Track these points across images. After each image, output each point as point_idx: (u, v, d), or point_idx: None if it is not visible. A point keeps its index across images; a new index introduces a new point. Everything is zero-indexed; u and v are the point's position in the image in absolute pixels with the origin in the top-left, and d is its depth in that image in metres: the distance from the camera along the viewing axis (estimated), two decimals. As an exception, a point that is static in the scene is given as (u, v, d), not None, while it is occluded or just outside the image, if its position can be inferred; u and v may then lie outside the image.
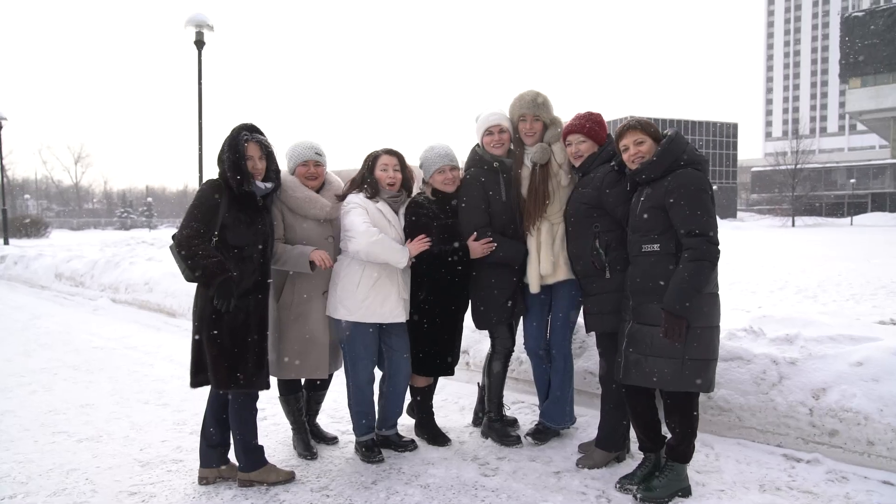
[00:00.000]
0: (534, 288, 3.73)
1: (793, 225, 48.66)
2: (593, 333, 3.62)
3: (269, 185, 3.37)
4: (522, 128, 3.76)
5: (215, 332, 3.20)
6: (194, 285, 3.27)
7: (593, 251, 3.43)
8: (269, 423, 4.45)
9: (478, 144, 3.91)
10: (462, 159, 3.97)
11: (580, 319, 3.78)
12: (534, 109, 3.71)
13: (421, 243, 3.59)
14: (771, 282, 10.77)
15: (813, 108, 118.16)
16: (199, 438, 3.50)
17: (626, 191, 3.33)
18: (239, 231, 3.23)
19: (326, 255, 3.53)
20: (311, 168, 3.69)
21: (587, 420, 4.07)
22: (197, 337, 3.26)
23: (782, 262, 14.81)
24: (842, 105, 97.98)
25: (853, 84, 60.65)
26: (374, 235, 3.48)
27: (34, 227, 33.50)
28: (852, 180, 58.20)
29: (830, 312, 6.00)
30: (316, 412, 4.14)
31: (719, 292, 3.09)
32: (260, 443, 3.48)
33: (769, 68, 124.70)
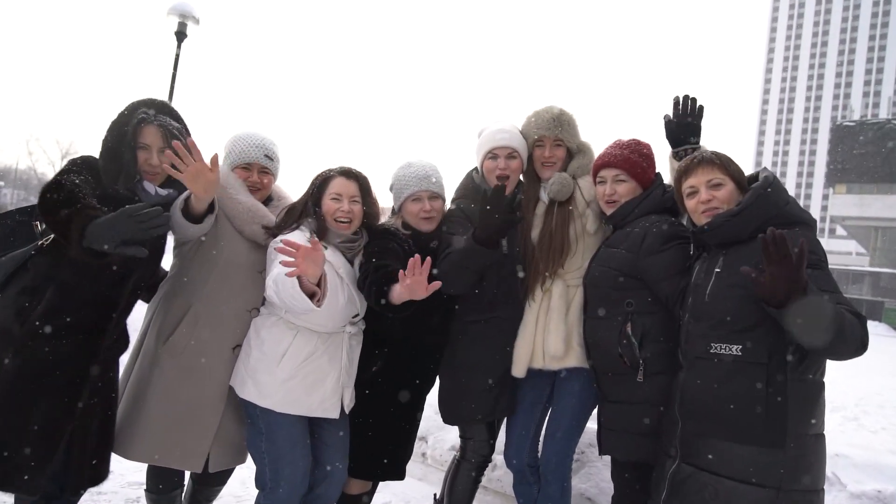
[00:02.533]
0: (518, 370, 2.64)
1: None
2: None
3: (166, 192, 2.28)
4: (539, 155, 2.74)
5: None
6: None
7: (622, 340, 2.35)
8: (140, 508, 3.21)
9: (476, 169, 2.87)
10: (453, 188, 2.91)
11: (590, 424, 2.69)
12: (555, 130, 2.70)
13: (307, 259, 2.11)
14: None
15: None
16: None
17: (682, 257, 2.30)
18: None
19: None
20: (255, 175, 2.61)
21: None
22: None
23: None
24: (824, 209, 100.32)
25: (838, 190, 61.82)
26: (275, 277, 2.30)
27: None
28: (831, 283, 58.71)
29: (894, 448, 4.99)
30: None
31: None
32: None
33: (758, 164, 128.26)
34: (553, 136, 2.70)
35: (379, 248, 2.54)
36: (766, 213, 2.02)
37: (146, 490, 2.70)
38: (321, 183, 2.60)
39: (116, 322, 2.30)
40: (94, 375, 2.21)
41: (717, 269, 2.07)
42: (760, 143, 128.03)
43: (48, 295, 2.11)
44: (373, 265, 2.43)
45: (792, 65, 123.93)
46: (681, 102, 2.58)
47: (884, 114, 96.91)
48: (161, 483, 2.64)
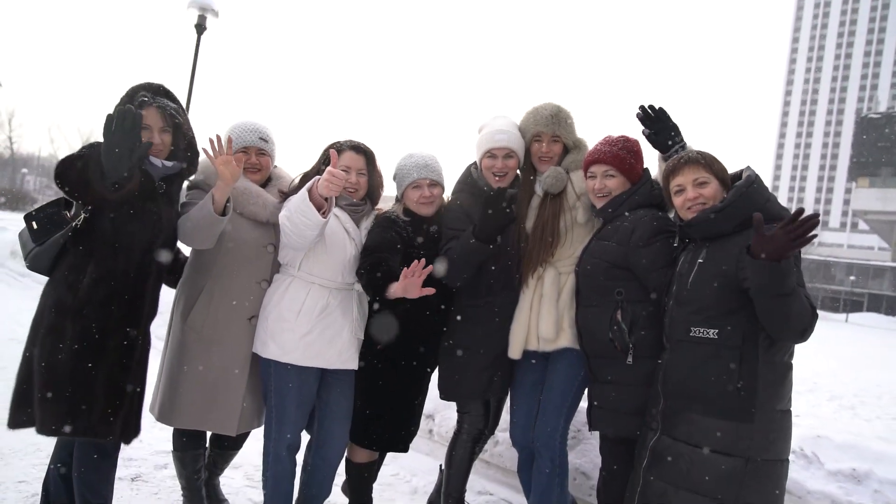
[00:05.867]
0: (514, 352, 2.83)
1: (788, 313, 47.79)
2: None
3: (170, 164, 2.50)
4: (536, 150, 2.90)
5: (52, 347, 2.29)
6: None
7: (613, 326, 2.52)
8: (168, 474, 3.50)
9: (474, 164, 3.04)
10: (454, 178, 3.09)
11: (583, 404, 2.86)
12: (553, 128, 2.86)
13: (332, 173, 2.46)
14: (798, 382, 9.66)
15: (818, 200, 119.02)
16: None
17: (668, 249, 2.46)
18: (119, 218, 2.33)
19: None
20: (253, 157, 2.85)
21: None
22: (27, 355, 2.35)
23: (800, 358, 13.70)
24: (846, 202, 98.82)
25: (861, 183, 60.94)
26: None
27: (19, 201, 32.54)
28: (852, 277, 57.80)
29: (884, 436, 5.08)
30: (221, 469, 3.18)
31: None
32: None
33: (779, 156, 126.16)
34: (551, 132, 2.86)
35: (379, 238, 2.76)
36: (747, 209, 2.16)
37: (173, 450, 2.94)
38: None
39: (151, 290, 2.52)
40: (138, 340, 2.45)
41: (701, 260, 2.24)
42: (782, 136, 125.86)
43: (90, 269, 2.35)
44: (372, 259, 2.66)
45: (817, 55, 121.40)
46: (643, 115, 2.70)
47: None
48: (188, 442, 2.90)
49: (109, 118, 2.18)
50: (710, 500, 2.03)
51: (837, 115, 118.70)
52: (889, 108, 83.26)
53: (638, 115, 2.74)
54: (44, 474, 3.22)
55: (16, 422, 2.36)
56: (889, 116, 62.07)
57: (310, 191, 2.48)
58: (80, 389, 2.29)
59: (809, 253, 58.55)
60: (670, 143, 2.68)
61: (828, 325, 38.43)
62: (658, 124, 2.69)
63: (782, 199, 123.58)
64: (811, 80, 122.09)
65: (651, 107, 2.70)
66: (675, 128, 2.68)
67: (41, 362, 2.30)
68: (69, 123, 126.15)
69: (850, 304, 55.85)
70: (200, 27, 9.58)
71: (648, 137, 2.72)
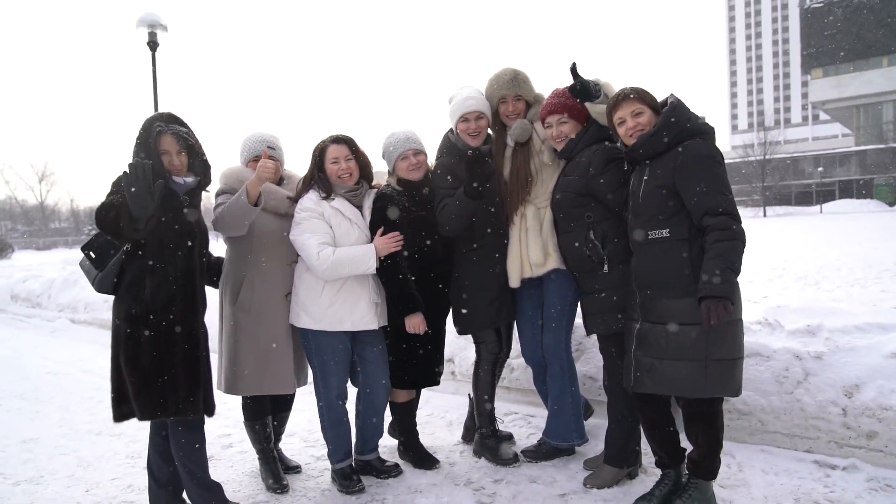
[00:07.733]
0: (513, 282, 3.33)
1: (764, 215, 49.11)
2: (594, 335, 3.23)
3: (189, 179, 2.89)
4: (504, 110, 3.36)
5: (134, 352, 2.72)
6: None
7: (588, 244, 3.02)
8: (235, 451, 3.97)
9: (451, 130, 3.50)
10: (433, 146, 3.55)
11: (578, 320, 3.38)
12: (514, 89, 3.32)
13: (390, 242, 3.15)
14: (768, 270, 10.35)
15: (777, 99, 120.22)
16: (151, 476, 3.02)
17: (619, 174, 2.94)
18: (158, 229, 2.74)
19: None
20: None
21: (590, 431, 3.66)
22: (115, 360, 2.79)
23: (772, 250, 14.57)
24: (804, 96, 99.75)
25: (815, 75, 61.70)
26: (327, 259, 3.06)
27: (-8, 248, 32.22)
28: (819, 169, 59.10)
29: (840, 299, 5.68)
30: (279, 436, 3.67)
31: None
32: (216, 479, 3.02)
33: (732, 62, 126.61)
34: (513, 94, 3.32)
35: (382, 224, 3.22)
36: (675, 128, 2.64)
37: (245, 421, 3.44)
38: (320, 153, 3.29)
39: (200, 287, 2.95)
40: (200, 331, 2.89)
41: (646, 177, 2.72)
42: (732, 41, 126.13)
43: (147, 282, 2.76)
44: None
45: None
46: (576, 90, 2.95)
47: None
48: (255, 410, 3.39)
49: (125, 175, 2.57)
50: (686, 362, 2.56)
51: (783, 10, 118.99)
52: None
53: (571, 92, 2.98)
54: (127, 471, 3.74)
55: (120, 415, 2.81)
56: (830, 4, 62.40)
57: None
58: (165, 380, 2.74)
59: (776, 153, 59.62)
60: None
61: (801, 218, 39.73)
62: (584, 94, 2.98)
63: (742, 104, 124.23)
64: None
65: (576, 84, 2.96)
66: (594, 88, 2.97)
67: (128, 365, 2.74)
68: (21, 162, 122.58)
69: (823, 195, 57.27)
70: (153, 44, 9.70)
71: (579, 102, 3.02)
